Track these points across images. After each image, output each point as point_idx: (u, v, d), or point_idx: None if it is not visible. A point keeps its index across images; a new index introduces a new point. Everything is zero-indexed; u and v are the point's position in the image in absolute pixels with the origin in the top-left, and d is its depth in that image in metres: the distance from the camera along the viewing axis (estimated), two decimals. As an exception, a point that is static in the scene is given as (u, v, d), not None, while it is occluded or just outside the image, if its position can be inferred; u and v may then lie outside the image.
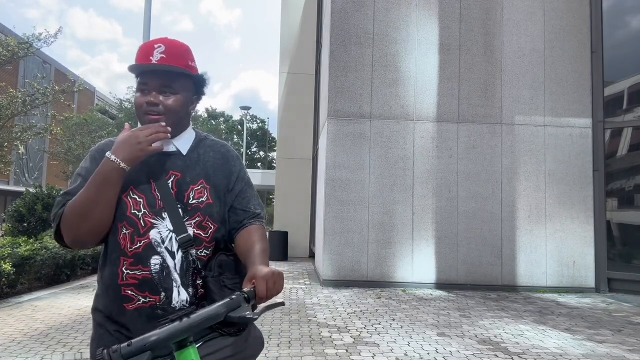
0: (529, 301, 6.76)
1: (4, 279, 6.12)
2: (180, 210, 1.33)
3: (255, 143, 50.71)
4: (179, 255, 1.30)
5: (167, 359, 1.03)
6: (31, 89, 15.68)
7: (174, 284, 1.29)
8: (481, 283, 7.65)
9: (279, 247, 12.18)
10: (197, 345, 1.06)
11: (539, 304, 6.58)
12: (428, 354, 4.08)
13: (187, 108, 1.38)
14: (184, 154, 1.40)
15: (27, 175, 32.01)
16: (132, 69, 1.34)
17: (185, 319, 1.00)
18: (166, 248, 1.30)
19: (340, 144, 7.85)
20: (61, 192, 1.37)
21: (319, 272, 8.39)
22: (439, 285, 7.65)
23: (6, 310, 5.55)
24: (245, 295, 1.08)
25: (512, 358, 4.00)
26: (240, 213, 1.43)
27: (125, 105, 22.69)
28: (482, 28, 8.14)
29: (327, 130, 7.95)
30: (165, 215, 1.31)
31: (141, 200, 1.31)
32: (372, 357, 3.98)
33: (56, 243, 7.45)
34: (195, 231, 1.33)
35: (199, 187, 1.37)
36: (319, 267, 8.45)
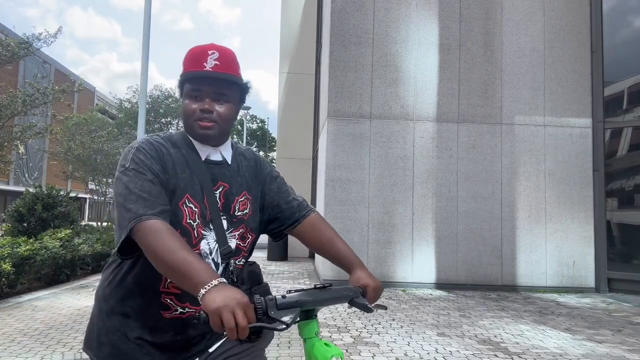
0: (529, 301, 6.76)
1: (4, 279, 6.12)
2: (225, 222, 1.33)
3: (255, 143, 50.71)
4: (221, 267, 1.31)
5: (313, 321, 1.13)
6: (31, 89, 15.67)
7: None
8: (481, 283, 7.65)
9: (279, 247, 12.18)
10: (215, 347, 1.17)
11: (539, 304, 6.58)
12: (428, 354, 4.08)
13: (236, 116, 1.36)
14: (229, 163, 1.39)
15: (27, 175, 32.01)
16: (186, 76, 1.29)
17: (325, 291, 1.12)
18: (212, 259, 1.30)
19: (340, 144, 7.85)
20: (133, 203, 1.16)
21: (319, 272, 8.39)
22: (439, 285, 7.66)
23: (6, 310, 5.55)
24: (361, 290, 1.23)
25: (512, 358, 4.00)
26: (287, 209, 1.46)
27: (125, 106, 22.66)
28: (482, 28, 8.14)
29: (327, 130, 7.95)
30: (212, 226, 1.30)
31: (196, 210, 1.28)
32: (372, 357, 3.98)
33: (55, 243, 7.46)
34: (237, 242, 1.35)
35: (243, 199, 1.38)
36: (319, 267, 8.45)
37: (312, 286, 1.13)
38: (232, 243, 1.33)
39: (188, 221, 1.26)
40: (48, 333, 4.54)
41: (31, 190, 9.69)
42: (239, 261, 1.35)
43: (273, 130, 46.33)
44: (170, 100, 23.80)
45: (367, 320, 5.30)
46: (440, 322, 5.29)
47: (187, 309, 1.29)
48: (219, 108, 1.29)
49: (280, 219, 1.47)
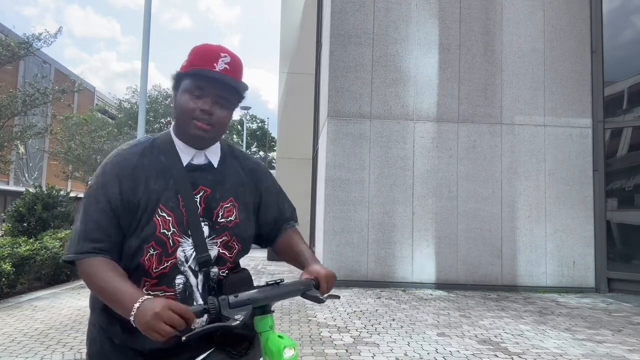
0: (529, 301, 6.76)
1: (4, 279, 6.12)
2: (207, 228, 1.28)
3: (255, 143, 50.69)
4: (201, 275, 1.27)
5: (268, 315, 1.17)
6: (31, 89, 15.67)
7: (195, 304, 1.25)
8: (481, 283, 7.65)
9: (279, 247, 12.18)
10: (201, 357, 1.21)
11: (539, 304, 6.58)
12: (428, 354, 4.08)
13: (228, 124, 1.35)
14: (215, 166, 1.34)
15: (27, 175, 32.00)
16: (193, 72, 1.25)
17: (277, 287, 1.17)
18: (190, 267, 1.26)
19: (340, 144, 7.85)
20: (78, 227, 1.23)
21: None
22: (439, 285, 7.65)
23: (6, 310, 5.55)
24: (314, 283, 1.24)
25: (512, 358, 4.00)
26: (272, 222, 1.45)
27: (125, 106, 22.65)
28: (482, 28, 8.14)
29: (327, 130, 7.95)
30: (190, 232, 1.26)
31: (170, 218, 1.24)
32: (372, 357, 3.97)
33: (55, 243, 7.46)
34: (221, 251, 1.30)
35: (229, 205, 1.33)
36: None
37: (265, 283, 1.17)
38: (214, 251, 1.28)
39: (161, 231, 1.23)
40: (48, 333, 4.54)
41: (31, 190, 9.69)
42: (222, 272, 1.30)
43: (273, 130, 46.32)
44: (169, 100, 23.81)
45: (367, 320, 5.30)
46: (440, 322, 5.29)
47: None
48: (219, 112, 1.26)
49: (267, 231, 1.46)
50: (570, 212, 7.84)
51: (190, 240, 1.26)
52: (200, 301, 1.27)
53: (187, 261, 1.25)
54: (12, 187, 29.74)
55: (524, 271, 7.72)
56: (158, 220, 1.23)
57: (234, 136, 49.16)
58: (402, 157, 7.86)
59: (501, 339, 4.62)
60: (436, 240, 7.73)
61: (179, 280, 1.25)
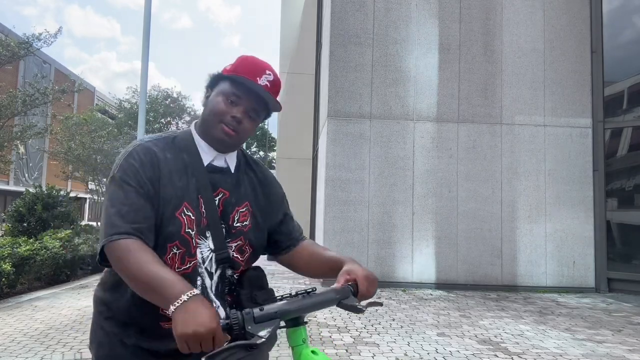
0: (529, 301, 6.76)
1: (4, 279, 6.12)
2: (223, 230, 1.28)
3: (255, 143, 50.68)
4: (216, 276, 1.27)
5: (300, 328, 1.07)
6: (31, 89, 15.67)
7: (212, 305, 1.22)
8: (481, 283, 7.65)
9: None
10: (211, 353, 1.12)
11: (539, 304, 6.58)
12: (428, 354, 4.08)
13: None
14: (232, 171, 1.34)
15: (27, 175, 32.01)
16: (236, 79, 1.25)
17: (308, 297, 1.07)
18: (206, 269, 1.25)
19: (340, 144, 7.85)
20: (113, 207, 1.15)
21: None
22: (439, 285, 7.65)
23: (6, 310, 5.55)
24: (352, 289, 1.13)
25: (512, 358, 4.00)
26: (285, 233, 1.43)
27: (125, 106, 22.62)
28: (482, 28, 8.14)
29: (327, 130, 7.95)
30: (208, 234, 1.25)
31: (194, 218, 1.23)
32: (372, 357, 3.97)
33: (55, 243, 7.46)
34: (234, 254, 1.29)
35: (244, 210, 1.33)
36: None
37: (294, 293, 1.09)
38: (229, 254, 1.29)
39: (187, 230, 1.21)
40: (48, 333, 4.54)
41: (31, 190, 9.69)
42: (235, 275, 1.29)
43: (273, 131, 46.33)
44: (169, 100, 23.79)
45: (367, 320, 5.30)
46: (440, 322, 5.29)
47: None
48: (247, 123, 1.27)
49: (276, 243, 1.43)
50: (570, 212, 7.84)
51: (207, 241, 1.25)
52: (216, 303, 1.26)
53: (203, 262, 1.25)
54: (12, 187, 29.75)
55: (524, 271, 7.72)
56: (183, 218, 1.21)
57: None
58: (402, 157, 7.86)
59: (501, 339, 4.62)
60: (436, 240, 7.73)
61: (199, 282, 1.24)
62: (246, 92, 1.24)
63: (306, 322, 1.09)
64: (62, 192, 10.16)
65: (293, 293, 1.09)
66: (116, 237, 1.10)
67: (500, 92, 8.03)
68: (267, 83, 1.25)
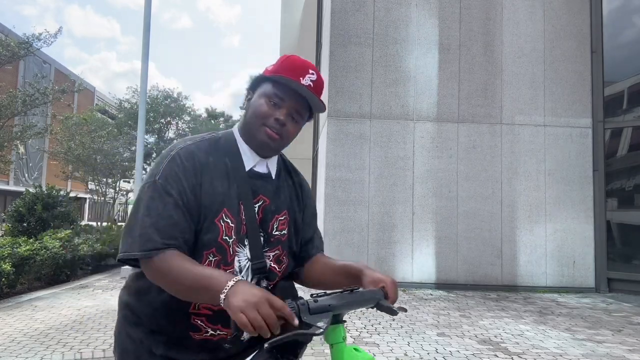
0: (529, 301, 6.76)
1: (4, 279, 6.12)
2: (261, 239, 1.23)
3: (255, 143, 50.58)
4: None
5: (339, 325, 1.06)
6: (31, 89, 15.67)
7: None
8: (481, 283, 7.65)
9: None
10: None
11: (539, 304, 6.58)
12: (428, 354, 4.07)
13: None
14: (273, 178, 1.29)
15: (27, 175, 32.01)
16: (279, 79, 1.20)
17: (353, 294, 1.07)
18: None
19: (340, 144, 7.85)
20: (145, 216, 1.12)
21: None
22: (439, 285, 7.65)
23: (6, 310, 5.55)
24: (384, 292, 1.14)
25: (512, 358, 4.00)
26: (304, 243, 1.38)
27: (125, 106, 22.62)
28: (482, 28, 8.14)
29: (327, 130, 7.96)
30: (246, 242, 1.21)
31: (233, 225, 1.18)
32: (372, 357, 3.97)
33: (55, 243, 7.45)
34: (272, 265, 1.25)
35: (283, 218, 1.29)
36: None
37: (341, 290, 1.08)
38: (267, 263, 1.24)
39: (224, 237, 1.17)
40: (48, 333, 4.54)
41: (31, 190, 9.69)
42: (270, 286, 1.25)
43: (273, 130, 46.24)
44: (169, 100, 23.78)
45: (367, 320, 5.30)
46: (440, 322, 5.29)
47: (218, 332, 1.21)
48: (291, 125, 1.23)
49: (296, 257, 1.38)
50: (570, 212, 7.84)
51: (246, 250, 1.21)
52: None
53: (240, 272, 1.20)
54: (12, 187, 29.75)
55: (524, 271, 7.72)
56: (222, 225, 1.17)
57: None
58: (402, 157, 7.86)
59: (501, 339, 4.62)
60: (436, 240, 7.73)
61: None
62: (289, 93, 1.20)
63: (344, 321, 1.08)
64: (62, 192, 10.16)
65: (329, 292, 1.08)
66: (154, 254, 1.08)
67: (500, 92, 8.03)
68: (311, 83, 1.21)
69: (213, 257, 1.16)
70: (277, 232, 1.27)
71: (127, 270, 8.41)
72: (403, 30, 8.10)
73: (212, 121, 44.89)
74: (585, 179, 7.92)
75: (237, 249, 1.19)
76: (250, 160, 1.25)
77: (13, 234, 8.80)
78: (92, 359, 3.81)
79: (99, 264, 9.43)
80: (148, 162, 21.32)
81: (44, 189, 9.88)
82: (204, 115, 44.06)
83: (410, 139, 7.91)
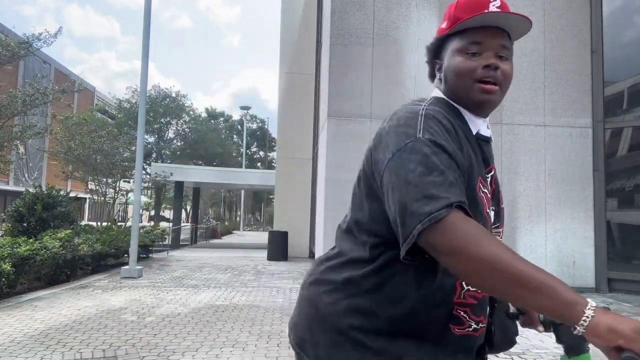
0: (529, 301, 6.75)
1: (4, 279, 6.12)
2: (492, 214, 1.05)
3: (255, 143, 50.71)
4: None
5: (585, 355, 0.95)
6: (31, 89, 15.68)
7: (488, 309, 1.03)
8: (481, 283, 7.64)
9: (279, 247, 12.18)
10: None
11: (539, 304, 6.56)
12: (428, 354, 4.07)
13: None
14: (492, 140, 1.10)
15: (27, 175, 32.02)
16: (464, 26, 1.01)
17: None
18: None
19: (340, 144, 7.85)
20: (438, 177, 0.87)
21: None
22: (439, 285, 7.65)
23: (6, 310, 5.55)
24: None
25: (512, 358, 4.00)
26: None
27: (125, 106, 22.62)
28: (482, 28, 8.13)
29: (327, 130, 7.96)
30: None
31: (491, 196, 1.02)
32: (372, 357, 3.97)
33: (55, 243, 7.43)
34: None
35: (501, 189, 1.11)
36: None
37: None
38: None
39: (487, 210, 0.99)
40: (48, 333, 4.54)
41: (31, 190, 9.69)
42: None
43: (273, 131, 46.33)
44: (168, 100, 23.78)
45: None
46: (440, 322, 5.28)
47: (480, 324, 1.02)
48: (504, 65, 1.02)
49: None
50: (570, 212, 7.84)
51: None
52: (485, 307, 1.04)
53: None
54: (12, 187, 29.76)
55: (524, 271, 7.71)
56: (483, 197, 0.99)
57: (234, 136, 49.19)
58: (402, 157, 7.85)
59: (501, 339, 4.61)
60: (436, 240, 7.72)
61: None
62: (482, 33, 1.01)
63: (588, 349, 0.93)
64: (62, 192, 10.17)
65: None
66: (445, 212, 0.81)
67: (500, 92, 8.03)
68: (498, 7, 1.04)
69: None
70: (503, 205, 1.10)
71: (127, 270, 8.40)
72: (403, 30, 8.10)
73: (212, 121, 44.95)
74: (585, 179, 7.92)
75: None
76: (474, 124, 1.06)
77: (13, 234, 8.80)
78: (92, 359, 3.81)
79: (99, 264, 9.43)
80: (148, 162, 21.30)
81: (44, 189, 9.89)
82: (204, 115, 43.97)
83: (410, 139, 7.90)
